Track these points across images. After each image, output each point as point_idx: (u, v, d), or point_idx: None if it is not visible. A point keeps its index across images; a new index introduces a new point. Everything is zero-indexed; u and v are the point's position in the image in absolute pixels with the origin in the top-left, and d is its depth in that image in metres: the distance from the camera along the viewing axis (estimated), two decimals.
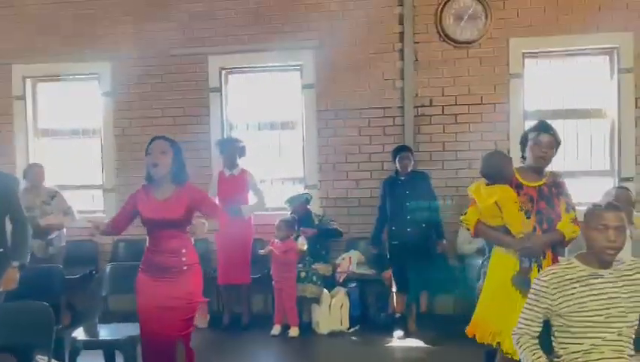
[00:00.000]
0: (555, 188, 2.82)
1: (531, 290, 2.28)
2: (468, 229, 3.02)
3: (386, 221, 4.61)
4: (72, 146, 5.84)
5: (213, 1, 5.39)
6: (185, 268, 2.87)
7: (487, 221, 2.91)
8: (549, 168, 2.89)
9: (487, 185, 2.92)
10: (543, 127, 2.83)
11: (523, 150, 2.90)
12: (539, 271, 2.67)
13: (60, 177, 5.61)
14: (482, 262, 2.94)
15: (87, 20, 5.53)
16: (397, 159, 4.54)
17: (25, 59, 5.61)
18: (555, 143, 2.82)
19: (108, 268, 3.64)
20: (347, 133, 5.29)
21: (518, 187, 2.85)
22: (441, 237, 4.61)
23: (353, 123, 5.27)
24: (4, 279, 2.96)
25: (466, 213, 2.96)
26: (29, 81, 5.71)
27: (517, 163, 2.96)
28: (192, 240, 2.98)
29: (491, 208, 2.85)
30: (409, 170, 4.53)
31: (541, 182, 2.82)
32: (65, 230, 4.86)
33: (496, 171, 2.88)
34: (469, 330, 2.94)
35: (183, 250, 2.88)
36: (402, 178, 4.54)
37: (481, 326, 2.89)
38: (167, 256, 2.87)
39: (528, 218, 2.79)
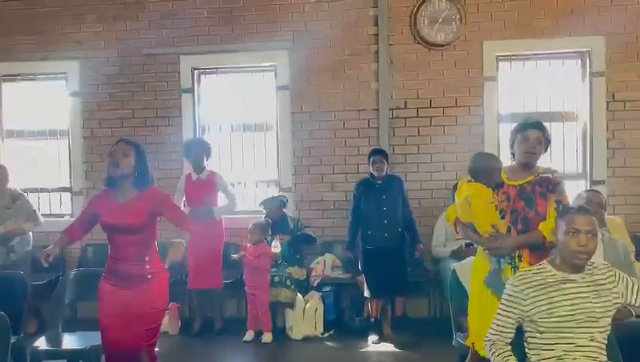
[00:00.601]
0: (541, 186, 2.76)
1: (504, 295, 2.25)
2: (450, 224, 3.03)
3: (359, 224, 4.56)
4: (38, 148, 5.66)
5: (184, 1, 5.28)
6: (149, 276, 2.76)
7: (461, 217, 2.91)
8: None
9: (469, 181, 2.92)
10: (531, 124, 2.82)
11: (512, 147, 2.87)
12: (514, 272, 2.64)
13: (26, 180, 5.45)
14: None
15: (54, 18, 5.37)
16: (371, 162, 4.50)
17: None
18: (544, 140, 2.80)
19: (72, 274, 3.50)
20: (322, 135, 5.23)
21: (498, 186, 2.84)
22: (417, 240, 4.59)
23: (328, 125, 5.21)
24: None
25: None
26: None
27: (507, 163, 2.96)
28: (156, 247, 2.88)
29: (463, 204, 2.86)
30: (384, 173, 4.48)
31: (525, 180, 2.78)
32: (31, 234, 4.70)
33: (482, 171, 2.86)
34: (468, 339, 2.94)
35: (146, 258, 2.77)
36: (379, 182, 4.49)
37: (471, 329, 2.88)
38: (130, 264, 2.76)
39: (503, 218, 2.78)
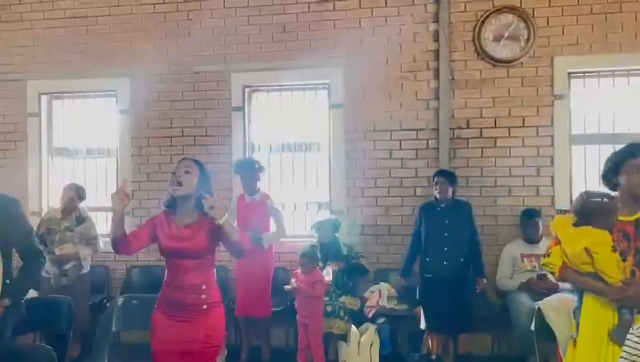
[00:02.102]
0: None
1: (626, 347, 1.89)
2: (552, 273, 2.59)
3: (419, 250, 4.23)
4: (87, 166, 5.57)
5: (237, 17, 5.14)
6: (205, 307, 2.55)
7: (576, 267, 2.46)
8: None
9: (575, 224, 2.49)
10: None
11: (613, 176, 2.47)
12: None
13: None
14: (574, 311, 2.47)
15: (105, 35, 5.32)
16: (434, 184, 4.18)
17: (40, 75, 5.40)
18: None
19: (120, 301, 3.30)
20: (377, 155, 4.95)
21: None
22: (481, 274, 4.21)
23: (384, 145, 4.94)
24: None
25: (549, 255, 2.51)
26: (44, 98, 5.49)
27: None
28: (215, 274, 2.65)
29: (581, 256, 2.42)
30: (449, 196, 4.16)
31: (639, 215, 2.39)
32: (89, 258, 4.57)
33: (599, 215, 2.41)
34: None
35: (204, 286, 2.56)
36: (442, 205, 4.17)
37: None
38: (186, 293, 2.55)
39: (624, 260, 2.36)
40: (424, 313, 4.19)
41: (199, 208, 2.57)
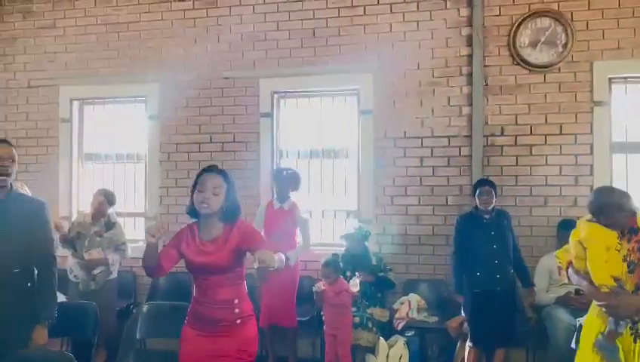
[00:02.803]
0: None
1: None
2: (559, 267, 2.53)
3: (466, 265, 4.07)
4: (116, 171, 5.60)
5: (266, 22, 5.11)
6: (238, 321, 2.46)
7: (575, 262, 2.47)
8: None
9: (589, 221, 2.47)
10: None
11: None
12: (635, 340, 2.21)
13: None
14: None
15: (136, 41, 5.35)
16: (478, 194, 4.03)
17: (72, 80, 5.46)
18: None
19: (144, 308, 3.26)
20: (407, 163, 4.83)
21: (631, 232, 2.34)
22: (529, 284, 4.07)
23: (414, 152, 4.82)
24: (33, 339, 2.69)
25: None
26: (75, 104, 5.55)
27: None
28: (245, 286, 2.57)
29: (576, 247, 2.44)
30: (492, 207, 4.01)
31: None
32: (117, 264, 4.57)
33: (605, 209, 2.38)
34: None
35: (236, 301, 2.47)
36: (487, 216, 4.01)
37: None
38: (218, 309, 2.45)
39: (631, 272, 2.26)
40: (471, 328, 4.02)
41: (224, 220, 2.49)
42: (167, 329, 2.76)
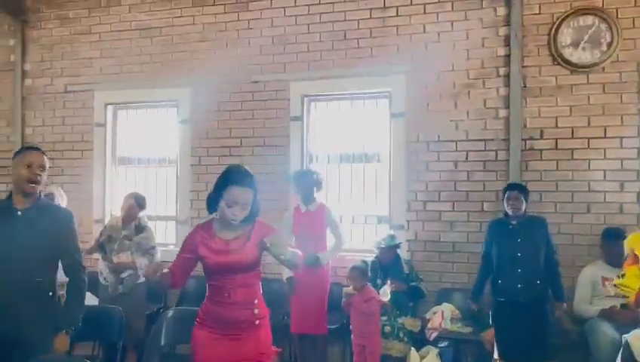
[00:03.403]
0: None
1: None
2: (625, 297, 2.31)
3: (490, 271, 3.91)
4: (148, 175, 5.64)
5: (297, 25, 5.05)
6: (257, 322, 2.43)
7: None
8: None
9: None
10: None
11: None
12: None
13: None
14: None
15: (168, 46, 5.37)
16: (505, 198, 3.85)
17: (106, 85, 5.53)
18: None
19: (170, 313, 3.22)
20: (441, 167, 4.68)
21: None
22: (560, 297, 3.84)
23: (448, 156, 4.66)
24: (54, 346, 2.65)
25: (622, 275, 2.24)
26: (110, 108, 5.62)
27: None
28: (261, 287, 2.51)
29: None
30: (521, 212, 3.82)
31: None
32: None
33: None
34: None
35: (255, 301, 2.44)
36: (513, 222, 3.83)
37: None
38: (238, 309, 2.41)
39: None
40: (497, 339, 3.85)
41: (246, 221, 2.45)
42: (190, 335, 2.67)
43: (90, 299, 4.69)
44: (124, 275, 4.33)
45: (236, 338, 2.40)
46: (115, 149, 5.66)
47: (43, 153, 2.80)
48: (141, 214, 4.57)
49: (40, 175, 2.69)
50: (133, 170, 5.67)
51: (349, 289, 3.94)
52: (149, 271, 2.48)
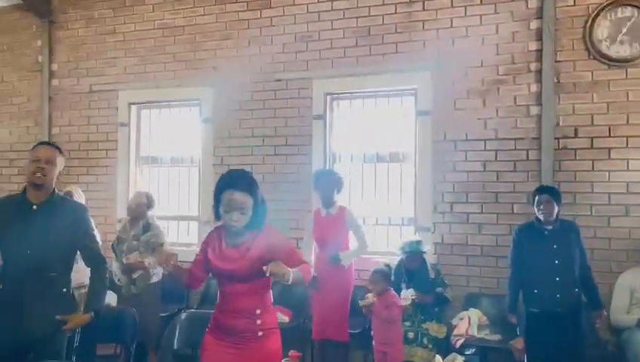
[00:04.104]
0: None
1: None
2: None
3: (522, 281, 3.69)
4: (171, 175, 5.61)
5: (320, 22, 4.93)
6: (260, 333, 2.30)
7: None
8: None
9: None
10: None
11: None
12: None
13: (158, 207, 5.41)
14: None
15: (191, 45, 5.33)
16: (536, 203, 3.63)
17: (130, 85, 5.53)
18: None
19: (183, 315, 3.15)
20: (469, 167, 4.49)
21: None
22: (598, 306, 3.61)
23: (477, 156, 4.47)
24: (71, 319, 2.67)
25: None
26: (133, 108, 5.62)
27: None
28: (271, 297, 2.39)
29: None
30: (553, 217, 3.60)
31: None
32: (159, 266, 4.52)
33: None
34: None
35: (257, 311, 2.31)
36: (548, 228, 3.61)
37: None
38: (238, 318, 2.31)
39: None
40: (527, 349, 3.65)
41: (249, 226, 2.33)
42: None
43: (110, 298, 4.70)
44: (135, 275, 4.29)
45: (240, 348, 2.30)
46: (138, 149, 5.66)
47: (55, 148, 2.78)
48: (150, 213, 4.51)
49: (44, 168, 2.65)
50: (156, 169, 5.65)
51: (369, 298, 3.77)
52: (162, 259, 2.44)
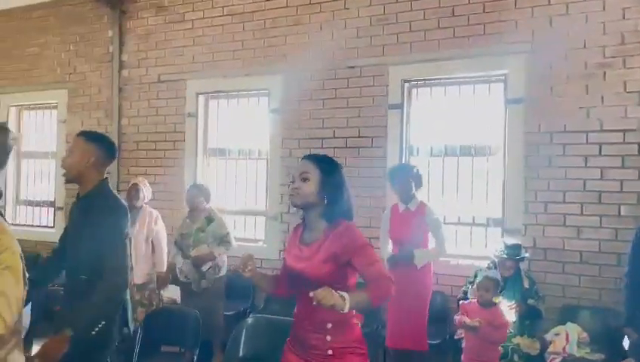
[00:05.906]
0: None
1: None
2: None
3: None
4: (239, 167, 5.41)
5: (398, 3, 4.54)
6: (330, 352, 1.95)
7: None
8: None
9: None
10: None
11: None
12: None
13: (224, 200, 5.24)
14: None
15: (259, 32, 5.09)
16: None
17: (198, 74, 5.37)
18: None
19: (249, 321, 2.88)
20: (567, 163, 3.98)
21: None
22: None
23: (577, 150, 3.95)
24: (42, 349, 2.17)
25: None
26: (201, 98, 5.45)
27: None
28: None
29: None
30: None
31: None
32: (225, 259, 4.35)
33: None
34: None
35: (329, 325, 1.96)
36: None
37: None
38: (308, 331, 2.00)
39: None
40: None
41: (327, 219, 2.02)
42: (272, 348, 2.32)
43: (175, 293, 4.56)
44: (205, 268, 4.14)
45: None
46: (206, 140, 5.49)
47: (87, 140, 2.46)
48: (208, 206, 4.37)
49: (69, 157, 2.45)
50: (223, 161, 5.47)
51: (475, 321, 3.24)
52: (239, 264, 2.06)
